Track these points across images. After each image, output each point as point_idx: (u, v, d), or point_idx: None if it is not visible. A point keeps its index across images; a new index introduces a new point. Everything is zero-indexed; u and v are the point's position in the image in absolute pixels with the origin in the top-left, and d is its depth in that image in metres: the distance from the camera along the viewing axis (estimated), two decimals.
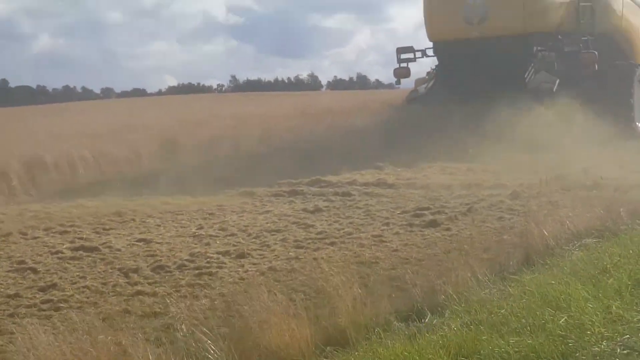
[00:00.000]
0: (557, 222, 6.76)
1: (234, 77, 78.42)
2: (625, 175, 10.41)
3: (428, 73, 18.35)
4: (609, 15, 17.20)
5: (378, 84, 54.49)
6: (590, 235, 6.68)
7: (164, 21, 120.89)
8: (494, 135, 13.22)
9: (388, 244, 7.11)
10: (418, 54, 17.59)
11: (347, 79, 72.17)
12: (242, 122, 16.25)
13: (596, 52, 15.89)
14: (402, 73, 17.64)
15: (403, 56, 17.60)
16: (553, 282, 4.89)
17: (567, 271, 5.30)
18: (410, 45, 17.71)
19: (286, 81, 71.32)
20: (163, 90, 63.23)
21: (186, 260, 6.75)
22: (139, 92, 57.90)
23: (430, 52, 17.45)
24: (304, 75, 75.82)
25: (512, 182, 10.56)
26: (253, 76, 77.15)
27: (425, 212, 8.68)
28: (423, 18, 17.03)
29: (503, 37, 15.69)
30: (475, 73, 15.85)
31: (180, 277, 6.20)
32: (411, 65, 17.54)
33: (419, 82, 17.92)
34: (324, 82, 73.17)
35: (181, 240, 7.73)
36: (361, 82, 65.80)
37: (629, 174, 10.49)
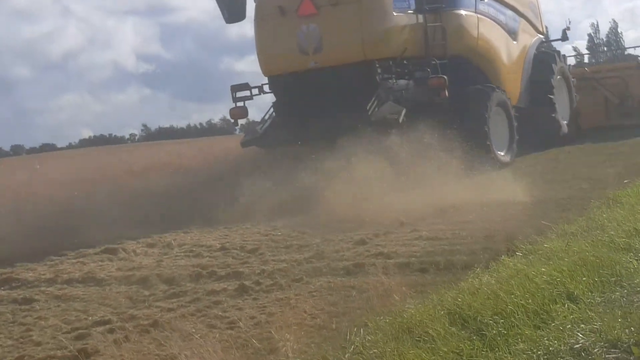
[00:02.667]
0: None
1: (145, 125, 77.15)
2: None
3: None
4: (462, 36, 15.57)
5: None
6: None
7: (73, 73, 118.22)
8: (329, 178, 11.34)
9: None
10: (255, 91, 15.51)
11: (238, 125, 71.17)
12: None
13: (446, 77, 14.14)
14: (238, 113, 15.52)
15: (239, 94, 15.48)
16: None
17: None
18: (245, 82, 15.68)
19: (199, 127, 70.58)
20: (74, 143, 62.09)
21: None
22: (48, 147, 56.61)
23: (267, 88, 15.43)
24: (216, 119, 75.28)
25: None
26: (166, 123, 75.72)
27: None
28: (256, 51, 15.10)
29: (342, 66, 13.85)
30: (315, 107, 14.00)
31: None
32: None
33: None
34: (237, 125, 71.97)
35: None
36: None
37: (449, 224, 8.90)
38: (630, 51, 31.68)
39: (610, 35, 70.39)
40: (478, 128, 14.51)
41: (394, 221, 9.05)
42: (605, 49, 65.51)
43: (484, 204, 9.73)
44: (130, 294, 6.56)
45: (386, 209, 9.83)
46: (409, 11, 14.44)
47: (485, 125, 14.77)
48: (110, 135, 67.37)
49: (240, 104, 15.43)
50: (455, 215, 9.35)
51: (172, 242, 9.06)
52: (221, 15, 15.06)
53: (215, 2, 14.80)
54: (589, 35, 71.05)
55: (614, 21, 75.74)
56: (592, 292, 4.82)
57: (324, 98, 13.92)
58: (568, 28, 22.10)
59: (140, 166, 16.74)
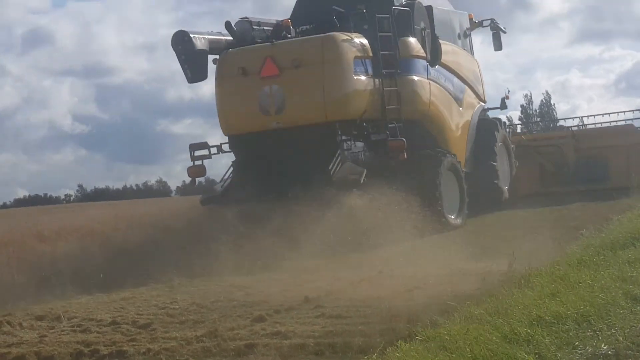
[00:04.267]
0: None
1: (81, 186, 76.19)
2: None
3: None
4: (415, 101, 16.05)
5: None
6: None
7: (8, 132, 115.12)
8: (288, 238, 11.60)
9: None
10: (213, 150, 15.66)
11: (196, 183, 71.09)
12: None
13: (404, 140, 14.53)
14: (196, 171, 15.60)
15: (197, 153, 15.58)
16: None
17: None
18: (204, 141, 15.87)
19: (135, 188, 69.96)
20: (8, 203, 60.37)
21: None
22: None
23: (226, 147, 15.58)
24: (152, 181, 74.72)
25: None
26: (102, 184, 74.21)
27: None
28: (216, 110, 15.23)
29: (303, 127, 14.12)
30: (276, 167, 14.23)
31: None
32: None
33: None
34: (173, 187, 71.84)
35: None
36: (210, 186, 64.62)
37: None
38: (562, 122, 32.96)
39: (543, 107, 73.26)
40: (430, 193, 14.88)
41: (298, 296, 8.54)
42: (538, 119, 68.10)
43: (400, 277, 9.40)
44: None
45: (296, 283, 9.66)
46: (367, 75, 14.89)
47: (436, 191, 15.18)
48: (45, 195, 65.93)
49: (198, 162, 15.51)
50: (368, 289, 8.84)
51: (62, 315, 8.52)
52: (182, 75, 15.03)
53: (178, 62, 14.87)
54: (522, 106, 73.79)
55: (547, 93, 78.80)
56: None
57: (285, 158, 14.16)
58: (507, 97, 22.89)
59: (53, 230, 15.95)
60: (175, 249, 12.21)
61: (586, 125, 25.52)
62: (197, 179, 16.14)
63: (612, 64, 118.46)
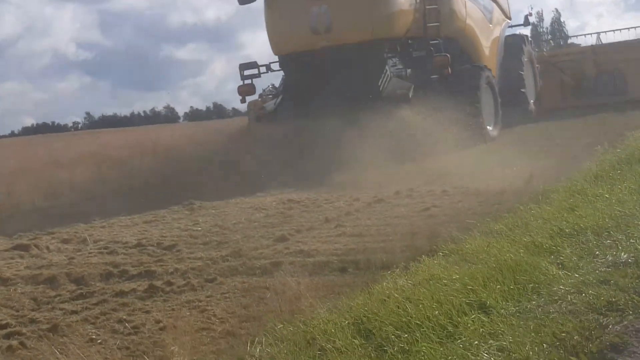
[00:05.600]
0: None
1: (88, 113, 75.95)
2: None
3: (262, 92, 17.42)
4: (453, 19, 16.80)
5: (235, 112, 53.87)
6: None
7: (12, 61, 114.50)
8: (348, 150, 12.31)
9: None
10: (262, 69, 16.42)
11: (204, 109, 71.40)
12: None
13: (448, 55, 15.35)
14: (246, 90, 16.39)
15: (247, 72, 16.37)
16: None
17: None
18: (254, 60, 16.57)
19: (142, 115, 69.85)
20: (16, 132, 60.76)
21: None
22: None
23: (275, 67, 16.35)
24: (160, 108, 74.66)
25: None
26: (109, 112, 74.88)
27: None
28: (266, 31, 15.93)
29: (351, 45, 14.75)
30: (326, 85, 14.85)
31: None
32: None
33: (252, 104, 16.73)
34: (181, 113, 71.46)
35: None
36: (218, 111, 65.17)
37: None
38: (573, 40, 33.22)
39: (554, 25, 71.94)
40: (472, 106, 15.70)
41: (317, 218, 8.65)
42: (549, 37, 66.94)
43: (421, 194, 9.79)
44: (36, 295, 6.15)
45: (316, 204, 9.85)
46: None
47: (478, 103, 16.01)
48: (53, 123, 66.43)
49: (247, 81, 16.32)
50: (386, 208, 9.02)
51: (88, 238, 8.52)
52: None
53: None
54: (532, 24, 72.62)
55: (557, 11, 77.47)
56: (507, 301, 4.41)
57: (335, 76, 14.82)
58: (530, 14, 23.77)
59: (69, 157, 15.99)
60: (195, 172, 12.66)
61: (602, 41, 25.99)
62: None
63: None
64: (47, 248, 8.13)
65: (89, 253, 7.75)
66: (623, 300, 4.21)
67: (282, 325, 4.40)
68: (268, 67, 16.45)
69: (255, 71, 16.40)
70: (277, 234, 7.69)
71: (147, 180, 12.53)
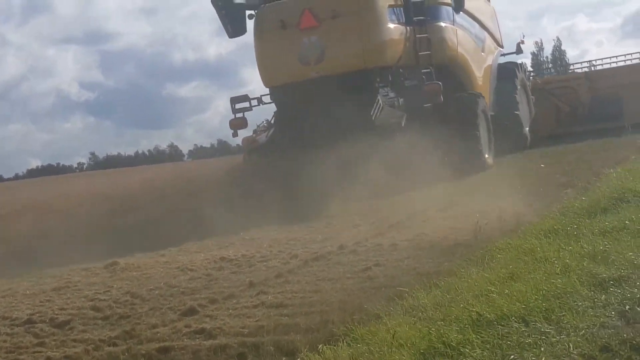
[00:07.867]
0: None
1: (93, 154, 75.58)
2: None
3: (256, 128, 17.07)
4: (444, 47, 16.77)
5: (239, 149, 53.32)
6: None
7: (16, 103, 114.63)
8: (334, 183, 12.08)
9: None
10: (254, 102, 16.28)
11: (209, 146, 71.24)
12: None
13: (440, 83, 15.23)
14: (238, 124, 16.21)
15: (238, 106, 16.21)
16: None
17: None
18: (245, 94, 16.47)
19: (147, 154, 69.68)
20: (21, 174, 60.40)
21: None
22: None
23: (266, 99, 16.20)
24: (163, 146, 74.47)
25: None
26: (114, 151, 74.20)
27: None
28: (256, 63, 15.76)
29: (342, 75, 14.63)
30: (317, 115, 14.63)
31: None
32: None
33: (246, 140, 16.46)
34: (185, 151, 70.98)
35: None
36: (222, 148, 64.99)
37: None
38: (572, 68, 33.67)
39: (555, 53, 73.42)
40: (470, 133, 15.64)
41: (242, 282, 7.44)
42: (550, 65, 68.28)
43: (367, 249, 8.60)
44: None
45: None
46: (400, 23, 15.51)
47: (477, 131, 15.95)
48: (58, 164, 66.07)
49: (239, 115, 16.15)
50: (323, 268, 7.83)
51: None
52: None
53: (218, 18, 15.50)
54: (532, 53, 73.94)
55: (558, 39, 79.09)
56: None
57: (326, 106, 14.56)
58: (522, 42, 23.59)
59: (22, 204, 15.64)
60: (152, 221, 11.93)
61: (596, 67, 26.27)
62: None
63: (618, 7, 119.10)
64: None
65: None
66: None
67: None
68: (259, 100, 16.31)
69: (246, 104, 16.23)
70: (188, 305, 6.61)
71: (88, 232, 11.52)
